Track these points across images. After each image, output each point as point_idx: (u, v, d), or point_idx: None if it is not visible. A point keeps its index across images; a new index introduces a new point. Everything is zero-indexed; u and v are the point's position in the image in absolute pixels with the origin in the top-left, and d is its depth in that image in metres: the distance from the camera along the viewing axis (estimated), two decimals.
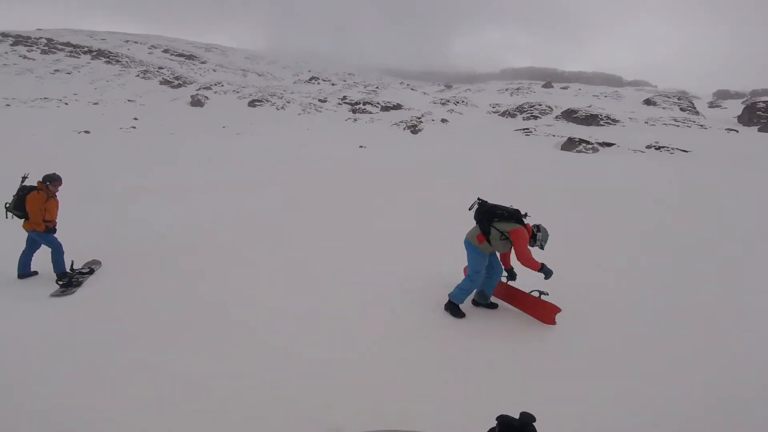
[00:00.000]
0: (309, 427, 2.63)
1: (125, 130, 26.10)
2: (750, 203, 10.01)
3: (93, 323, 3.84)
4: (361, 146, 22.81)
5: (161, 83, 51.95)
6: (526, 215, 4.06)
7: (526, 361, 3.47)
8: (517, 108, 36.65)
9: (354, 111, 39.49)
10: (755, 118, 32.10)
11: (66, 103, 38.54)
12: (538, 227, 4.07)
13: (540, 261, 3.89)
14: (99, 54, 59.16)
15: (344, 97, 44.64)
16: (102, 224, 6.90)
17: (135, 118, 32.48)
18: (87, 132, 23.35)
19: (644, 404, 2.98)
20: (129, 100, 42.87)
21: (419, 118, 34.12)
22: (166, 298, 4.35)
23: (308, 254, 5.76)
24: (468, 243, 4.16)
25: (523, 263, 3.88)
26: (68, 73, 52.46)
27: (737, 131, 28.83)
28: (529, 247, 3.94)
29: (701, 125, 30.67)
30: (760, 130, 29.85)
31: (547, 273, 3.87)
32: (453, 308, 4.18)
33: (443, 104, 40.92)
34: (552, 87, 51.04)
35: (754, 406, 3.01)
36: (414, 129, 31.92)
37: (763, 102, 33.36)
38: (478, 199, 4.22)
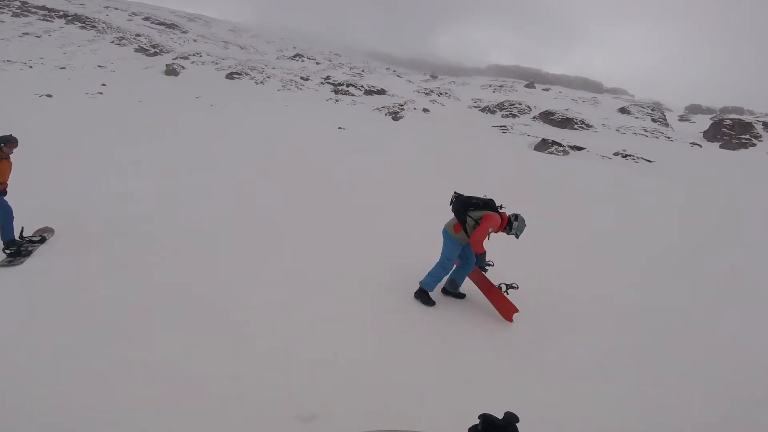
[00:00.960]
0: (280, 419, 2.67)
1: (90, 96, 24.87)
2: (698, 215, 10.75)
3: (43, 298, 3.74)
4: (340, 128, 22.70)
5: (136, 50, 49.17)
6: (501, 206, 4.31)
7: (495, 353, 3.68)
8: (497, 105, 37.11)
9: (336, 92, 38.91)
10: (719, 135, 33.76)
11: (30, 67, 36.10)
12: (516, 216, 4.26)
13: (485, 249, 4.16)
14: (74, 18, 55.29)
15: (328, 77, 43.87)
16: (58, 191, 6.73)
17: (103, 84, 30.89)
18: (49, 96, 22.15)
19: (606, 390, 3.30)
20: (99, 66, 40.51)
21: (402, 106, 34.05)
22: (124, 276, 4.30)
23: (264, 244, 5.70)
24: (445, 232, 4.37)
25: (471, 241, 4.14)
26: (38, 37, 48.78)
27: (700, 146, 30.32)
28: (507, 234, 4.23)
29: (668, 137, 32.05)
30: (721, 146, 31.49)
31: (480, 262, 4.18)
32: (423, 296, 4.37)
33: (427, 94, 40.93)
34: (534, 87, 51.88)
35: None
36: (395, 116, 31.87)
37: (730, 119, 35.04)
38: (455, 192, 4.43)
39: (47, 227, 5.13)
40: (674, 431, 2.96)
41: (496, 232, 4.25)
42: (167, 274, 4.45)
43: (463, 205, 4.27)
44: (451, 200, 4.41)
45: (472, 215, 4.21)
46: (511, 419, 1.22)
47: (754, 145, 30.33)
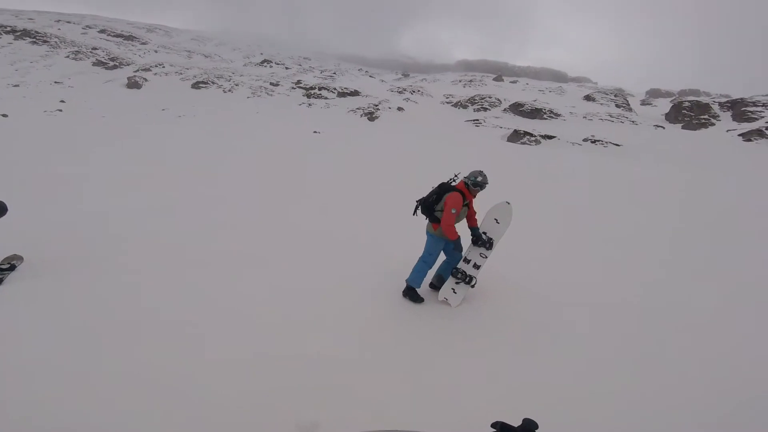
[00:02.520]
0: (280, 428, 2.62)
1: (49, 113, 23.86)
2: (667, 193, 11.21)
3: (17, 326, 3.61)
4: (315, 131, 22.52)
5: (94, 64, 47.28)
6: (455, 177, 4.35)
7: (488, 350, 3.66)
8: (468, 99, 37.65)
9: (309, 96, 38.59)
10: (680, 116, 35.25)
11: None
12: (470, 177, 4.26)
13: (456, 236, 4.22)
14: (23, 34, 52.43)
15: (299, 82, 43.45)
16: (22, 215, 6.38)
17: (62, 101, 29.65)
18: (5, 116, 21.08)
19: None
20: (56, 82, 38.78)
21: (376, 106, 34.10)
22: (100, 298, 4.14)
23: (244, 247, 5.62)
24: (427, 231, 4.44)
25: (442, 228, 4.18)
26: None
27: (663, 128, 31.61)
28: (477, 192, 4.28)
29: (633, 121, 33.26)
30: (683, 127, 32.91)
31: (457, 248, 4.29)
32: (411, 294, 4.38)
33: (400, 92, 41.12)
34: (502, 81, 52.91)
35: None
36: (371, 116, 31.89)
37: (688, 101, 36.57)
38: (416, 202, 4.44)
39: (15, 255, 4.87)
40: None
41: (468, 204, 4.27)
42: (154, 285, 4.30)
43: (427, 208, 4.32)
44: (414, 211, 4.45)
45: (438, 208, 4.26)
46: (529, 426, 1.14)
47: (713, 124, 31.80)
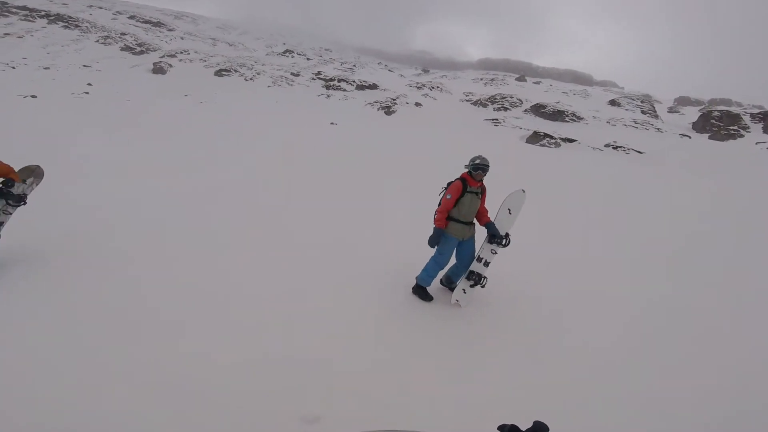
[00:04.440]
0: (284, 421, 2.61)
1: (77, 95, 24.38)
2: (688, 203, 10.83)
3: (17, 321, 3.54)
4: (332, 123, 22.54)
5: (122, 49, 48.13)
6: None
7: (494, 350, 3.60)
8: (489, 98, 37.09)
9: (327, 87, 38.62)
10: (708, 126, 34.05)
11: (13, 67, 35.25)
12: (473, 159, 4.18)
13: (440, 225, 4.13)
14: (57, 18, 53.62)
15: (319, 73, 43.49)
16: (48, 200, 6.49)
17: (89, 84, 30.29)
18: (34, 96, 21.67)
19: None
20: (84, 66, 39.66)
21: (394, 100, 33.91)
22: (103, 288, 4.14)
23: (263, 243, 5.56)
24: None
25: (436, 214, 4.17)
26: (20, 37, 47.37)
27: (690, 137, 30.59)
28: (473, 173, 4.16)
29: (658, 129, 32.29)
30: (710, 137, 31.80)
31: (433, 238, 4.13)
32: (420, 292, 4.32)
33: (419, 88, 40.76)
34: (525, 81, 51.94)
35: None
36: (388, 110, 31.75)
37: (718, 111, 35.33)
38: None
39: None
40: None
41: (477, 192, 4.19)
42: (164, 274, 4.33)
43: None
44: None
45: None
46: (540, 429, 1.09)
47: (742, 136, 30.63)
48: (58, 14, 54.77)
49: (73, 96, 24.21)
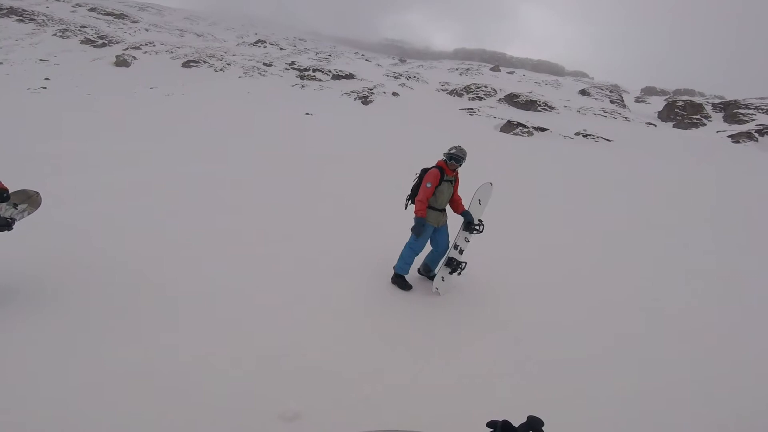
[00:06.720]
0: (263, 419, 2.53)
1: (33, 91, 23.12)
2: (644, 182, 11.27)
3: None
4: (307, 113, 22.20)
5: (82, 42, 45.61)
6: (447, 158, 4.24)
7: (474, 339, 3.56)
8: (464, 88, 37.35)
9: (302, 77, 37.95)
10: (672, 115, 35.41)
11: None
12: (450, 149, 4.19)
13: (422, 214, 4.08)
14: (9, 12, 50.13)
15: (293, 63, 42.65)
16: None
17: (46, 78, 28.75)
18: None
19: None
20: (41, 60, 37.47)
21: (371, 90, 33.69)
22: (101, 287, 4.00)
23: (224, 228, 5.49)
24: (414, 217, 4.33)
25: (415, 203, 4.15)
26: None
27: (655, 125, 31.75)
28: (450, 163, 4.15)
29: (626, 117, 33.33)
30: (674, 126, 33.09)
31: (416, 227, 4.09)
32: (399, 281, 4.29)
33: (396, 78, 40.65)
34: (499, 71, 52.60)
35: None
36: (365, 100, 31.54)
37: (682, 101, 36.75)
38: (406, 199, 4.43)
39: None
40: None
41: (451, 181, 4.21)
42: (152, 274, 4.11)
43: (413, 194, 4.31)
44: (406, 206, 4.46)
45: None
46: (535, 424, 1.05)
47: (704, 124, 32.01)
48: (11, 8, 51.10)
49: (29, 91, 22.88)
